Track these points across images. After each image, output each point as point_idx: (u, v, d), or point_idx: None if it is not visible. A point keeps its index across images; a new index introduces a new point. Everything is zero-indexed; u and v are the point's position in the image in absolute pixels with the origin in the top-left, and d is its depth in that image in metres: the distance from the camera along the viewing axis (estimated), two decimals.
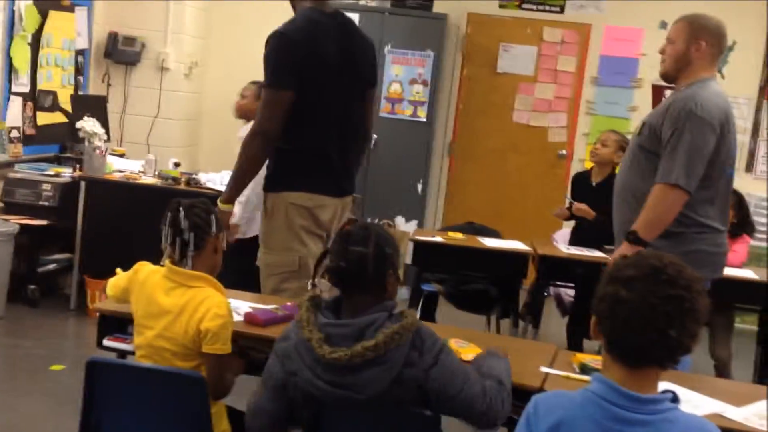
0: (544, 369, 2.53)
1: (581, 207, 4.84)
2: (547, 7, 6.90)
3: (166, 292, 2.54)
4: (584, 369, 2.51)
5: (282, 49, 3.08)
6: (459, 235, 4.89)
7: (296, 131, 3.11)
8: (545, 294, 5.00)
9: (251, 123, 3.97)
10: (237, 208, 4.05)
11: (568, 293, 4.97)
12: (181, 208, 2.57)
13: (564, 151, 6.87)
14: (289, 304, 2.86)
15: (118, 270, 2.73)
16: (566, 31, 6.82)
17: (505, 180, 6.97)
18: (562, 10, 6.87)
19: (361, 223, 2.31)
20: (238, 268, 3.50)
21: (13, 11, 5.30)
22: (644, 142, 3.16)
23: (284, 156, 3.16)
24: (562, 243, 5.11)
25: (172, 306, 2.53)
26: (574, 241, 5.00)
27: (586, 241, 4.81)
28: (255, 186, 3.69)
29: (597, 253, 4.60)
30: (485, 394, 2.13)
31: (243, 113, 4.48)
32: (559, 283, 4.95)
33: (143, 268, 2.66)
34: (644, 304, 1.55)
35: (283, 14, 3.34)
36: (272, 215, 3.21)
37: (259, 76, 3.28)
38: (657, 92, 6.66)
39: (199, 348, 2.48)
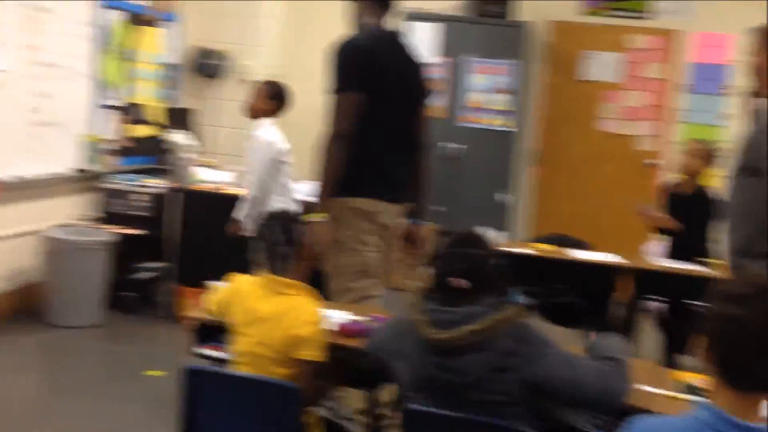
0: (644, 387, 2.45)
1: (660, 216, 4.74)
2: (632, 13, 6.77)
3: (263, 300, 2.61)
4: (691, 390, 2.42)
5: (351, 55, 3.26)
6: (547, 247, 4.82)
7: (355, 140, 3.25)
8: (640, 308, 4.87)
9: (261, 120, 4.32)
10: (243, 206, 4.40)
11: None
12: (274, 222, 2.65)
13: (651, 160, 6.71)
14: (381, 315, 2.87)
15: (213, 284, 2.79)
16: (651, 38, 6.68)
17: (593, 190, 6.84)
18: (648, 17, 6.73)
19: (469, 230, 2.35)
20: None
21: (104, 28, 5.46)
22: (750, 160, 3.02)
23: (349, 163, 3.28)
24: (652, 254, 4.98)
25: (269, 313, 2.58)
26: (667, 252, 4.88)
27: (677, 253, 4.69)
28: (262, 185, 4.27)
29: (693, 266, 4.48)
30: (601, 376, 2.16)
31: (253, 112, 4.56)
32: (652, 297, 4.82)
33: (240, 278, 2.74)
34: (761, 325, 1.48)
35: None
36: (337, 219, 3.32)
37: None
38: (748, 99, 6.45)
39: (293, 355, 2.53)
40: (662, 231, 4.90)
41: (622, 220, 6.56)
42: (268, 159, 4.39)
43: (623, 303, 4.83)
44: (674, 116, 6.70)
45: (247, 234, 4.33)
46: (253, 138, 4.45)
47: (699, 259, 4.56)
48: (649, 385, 2.46)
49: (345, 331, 2.73)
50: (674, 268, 4.50)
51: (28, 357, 4.33)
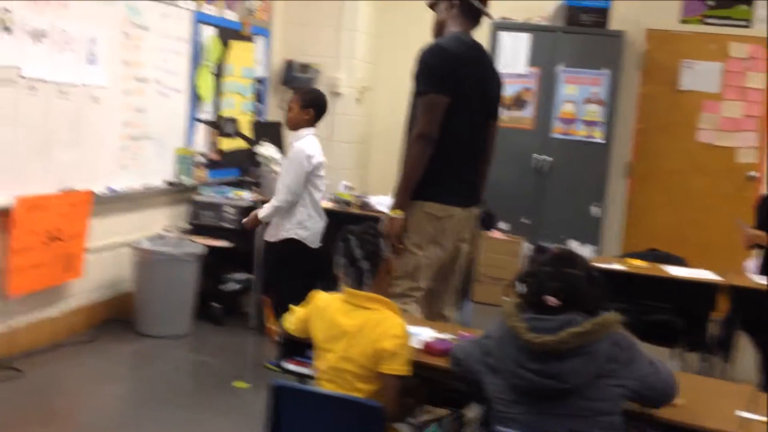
0: (741, 413, 2.35)
1: (754, 233, 4.55)
2: (733, 21, 6.51)
3: (345, 315, 2.60)
4: None
5: (438, 58, 3.32)
6: (641, 263, 4.65)
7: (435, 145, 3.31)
8: (738, 327, 4.65)
9: (301, 131, 4.28)
10: (268, 209, 4.42)
11: None
12: (352, 237, 2.63)
13: (754, 173, 6.42)
14: (466, 333, 2.81)
15: (293, 307, 2.80)
16: (754, 47, 6.42)
17: (689, 203, 6.61)
18: (748, 25, 6.46)
19: (564, 249, 2.39)
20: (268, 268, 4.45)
21: (197, 42, 5.57)
22: None
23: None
24: (755, 272, 4.75)
25: (351, 327, 2.57)
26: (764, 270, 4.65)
27: None
28: (292, 196, 4.32)
29: None
30: (672, 377, 2.27)
31: (292, 124, 4.54)
32: (751, 316, 4.58)
33: (320, 295, 2.74)
34: None
35: None
36: (408, 221, 3.38)
37: None
38: None
39: (378, 369, 2.50)
40: (759, 246, 4.68)
41: (719, 235, 6.32)
42: (303, 172, 4.38)
43: (720, 322, 4.63)
44: None
45: (270, 240, 4.49)
46: (293, 148, 4.45)
47: None
48: (746, 411, 2.36)
49: (430, 349, 2.68)
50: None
51: (118, 366, 4.42)
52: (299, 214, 4.41)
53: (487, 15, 3.55)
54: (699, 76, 6.53)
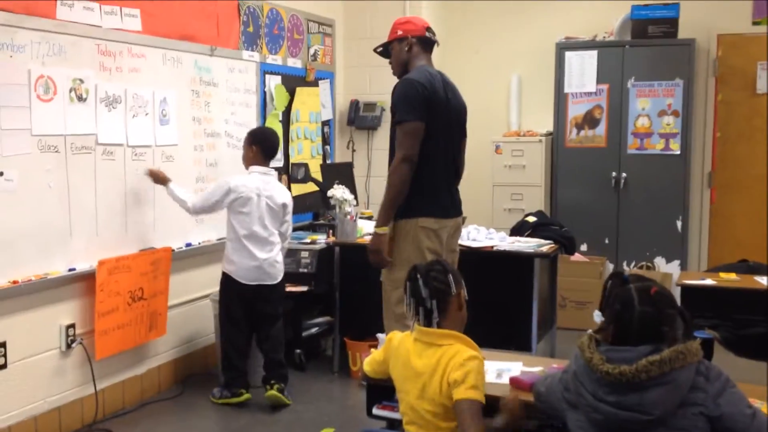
0: None
1: None
2: None
3: (418, 355, 2.59)
4: None
5: (413, 89, 3.69)
6: (732, 276, 4.47)
7: (417, 166, 3.68)
8: None
9: (250, 168, 4.63)
10: (179, 192, 4.59)
11: None
12: (419, 276, 2.61)
13: None
14: (555, 365, 2.75)
15: (373, 350, 2.79)
16: None
17: None
18: None
19: (642, 285, 2.23)
20: None
21: (264, 92, 5.67)
22: None
23: (411, 188, 3.68)
24: None
25: (425, 367, 2.56)
26: None
27: None
28: (196, 204, 4.56)
29: None
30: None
31: (244, 162, 4.73)
32: None
33: (395, 336, 2.72)
34: None
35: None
36: (402, 236, 3.72)
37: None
38: None
39: (452, 398, 2.47)
40: None
41: None
42: (214, 199, 4.55)
43: None
44: None
45: None
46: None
47: None
48: None
49: (516, 383, 2.62)
50: None
51: (205, 419, 4.45)
52: (226, 248, 4.60)
53: (437, 43, 4.00)
54: None
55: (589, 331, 2.29)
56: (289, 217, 4.72)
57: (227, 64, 5.29)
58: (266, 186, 4.59)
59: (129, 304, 4.39)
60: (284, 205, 4.65)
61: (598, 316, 2.33)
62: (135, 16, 4.48)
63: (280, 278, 4.63)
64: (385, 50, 4.03)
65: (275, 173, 4.72)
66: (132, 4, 4.44)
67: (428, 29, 3.95)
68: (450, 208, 3.88)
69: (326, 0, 6.57)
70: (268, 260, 4.56)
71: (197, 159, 5.03)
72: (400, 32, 3.91)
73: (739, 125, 6.40)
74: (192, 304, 5.06)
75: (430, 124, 3.69)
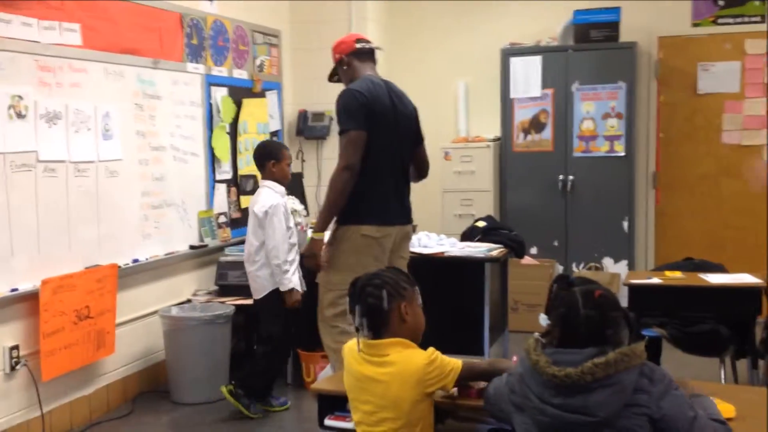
0: None
1: None
2: (747, 19, 6.40)
3: (367, 364, 2.56)
4: None
5: (353, 99, 3.75)
6: (678, 274, 4.54)
7: (362, 174, 3.71)
8: None
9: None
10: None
11: None
12: (355, 292, 2.58)
13: None
14: None
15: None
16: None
17: (721, 207, 6.48)
18: (763, 20, 6.35)
19: (587, 288, 2.25)
20: None
21: (210, 104, 5.63)
22: None
23: (354, 195, 3.72)
24: None
25: (377, 375, 2.53)
26: None
27: None
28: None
29: None
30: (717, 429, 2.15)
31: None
32: None
33: (345, 346, 2.68)
34: None
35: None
36: (343, 242, 3.77)
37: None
38: None
39: (417, 412, 2.48)
40: None
41: (754, 236, 6.16)
42: None
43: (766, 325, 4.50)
44: None
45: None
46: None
47: None
48: None
49: (465, 392, 2.61)
50: None
51: None
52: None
53: (376, 48, 4.07)
54: (717, 77, 6.44)
55: (536, 334, 2.30)
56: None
57: (171, 76, 5.23)
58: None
59: (75, 324, 4.31)
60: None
61: (544, 320, 2.34)
62: (75, 30, 4.41)
63: (258, 295, 4.58)
64: (335, 77, 4.15)
65: (262, 183, 4.70)
66: (72, 19, 4.37)
67: (358, 40, 4.03)
68: (396, 215, 3.90)
69: (272, 11, 6.55)
70: (249, 274, 4.59)
71: (143, 173, 4.97)
72: (336, 56, 4.04)
73: (681, 126, 6.54)
74: (141, 321, 4.98)
75: (373, 131, 3.74)
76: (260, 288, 4.55)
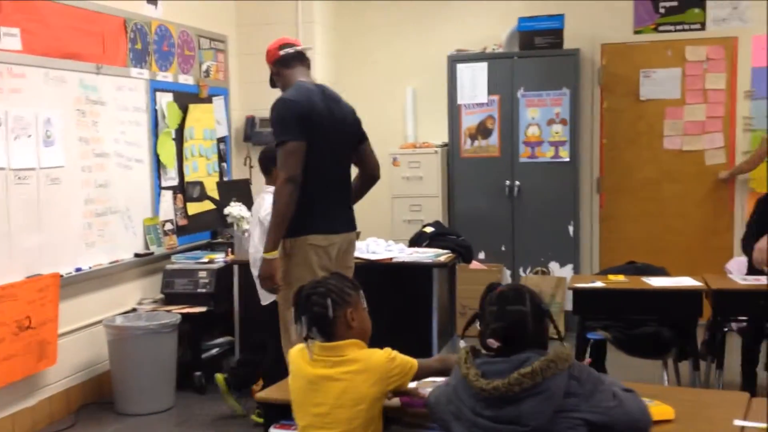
0: (739, 422, 2.31)
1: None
2: (687, 26, 6.55)
3: (324, 366, 2.54)
4: None
5: (288, 108, 3.62)
6: (621, 278, 4.61)
7: (304, 184, 3.60)
8: (725, 330, 4.61)
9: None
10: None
11: None
12: (300, 301, 2.58)
13: (725, 173, 6.44)
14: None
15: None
16: (711, 48, 6.46)
17: (663, 211, 6.59)
18: (703, 27, 6.50)
19: (511, 284, 2.29)
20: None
21: (155, 110, 5.56)
22: None
23: (299, 206, 3.59)
24: (737, 273, 4.72)
25: (336, 374, 2.52)
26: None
27: None
28: None
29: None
30: (643, 411, 2.21)
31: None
32: (740, 318, 4.55)
33: (293, 350, 2.67)
34: None
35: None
36: (292, 255, 3.66)
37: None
38: None
39: (374, 411, 2.49)
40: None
41: (696, 240, 6.29)
42: None
43: (706, 327, 4.62)
44: (743, 125, 6.42)
45: None
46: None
47: None
48: (744, 419, 2.35)
49: (406, 404, 2.61)
50: (757, 285, 4.27)
51: None
52: None
53: (304, 49, 3.94)
54: (659, 84, 6.55)
55: (461, 342, 2.34)
56: None
57: (115, 82, 5.16)
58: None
59: (16, 334, 4.21)
60: None
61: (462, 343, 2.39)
62: (14, 35, 4.32)
63: (265, 301, 4.48)
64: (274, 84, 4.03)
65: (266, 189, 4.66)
66: (10, 23, 4.28)
67: (282, 46, 3.87)
68: (340, 222, 3.83)
69: (217, 16, 6.50)
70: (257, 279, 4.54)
71: (86, 180, 4.88)
72: (269, 66, 3.94)
73: (624, 131, 6.65)
74: (84, 331, 4.90)
75: (312, 139, 3.61)
76: (267, 294, 4.49)
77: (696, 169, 6.51)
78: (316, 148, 3.63)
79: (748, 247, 4.65)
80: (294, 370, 2.64)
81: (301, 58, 3.90)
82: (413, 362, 2.57)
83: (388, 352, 2.55)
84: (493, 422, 2.14)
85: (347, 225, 3.88)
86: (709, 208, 6.42)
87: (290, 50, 3.86)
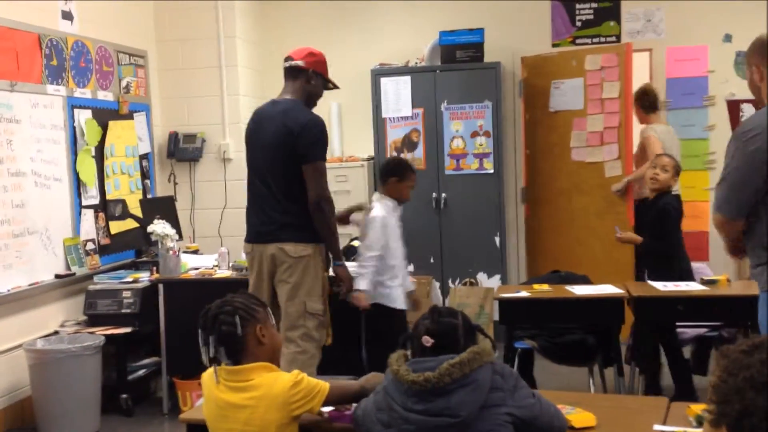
0: (658, 427, 2.38)
1: (624, 236, 5.15)
2: (603, 39, 6.72)
3: (230, 391, 2.51)
4: (701, 421, 2.32)
5: (325, 131, 3.94)
6: (545, 287, 4.69)
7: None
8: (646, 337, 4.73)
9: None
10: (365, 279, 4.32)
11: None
12: (206, 322, 2.52)
13: (618, 186, 6.21)
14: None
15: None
16: (606, 56, 6.32)
17: (573, 223, 6.50)
18: (618, 40, 6.67)
19: (442, 306, 2.49)
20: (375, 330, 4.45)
21: (74, 127, 5.43)
22: None
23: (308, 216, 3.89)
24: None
25: (240, 400, 2.48)
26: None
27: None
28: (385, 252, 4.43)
29: (694, 287, 4.43)
30: (557, 411, 2.32)
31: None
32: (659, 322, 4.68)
33: (205, 374, 2.63)
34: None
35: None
36: (316, 264, 3.94)
37: None
38: (733, 107, 6.38)
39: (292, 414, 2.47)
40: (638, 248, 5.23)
41: (601, 253, 6.21)
42: None
43: (629, 333, 4.73)
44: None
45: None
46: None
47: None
48: (663, 425, 2.39)
49: (334, 417, 2.60)
50: (676, 292, 4.41)
51: None
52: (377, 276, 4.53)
53: (289, 65, 4.08)
54: (565, 95, 6.52)
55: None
56: None
57: (30, 99, 5.02)
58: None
59: None
60: None
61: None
62: None
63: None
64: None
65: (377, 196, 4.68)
66: None
67: (285, 59, 4.12)
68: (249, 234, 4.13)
69: (137, 31, 6.39)
70: None
71: (2, 201, 4.73)
72: (308, 69, 4.08)
73: (541, 142, 6.66)
74: (4, 356, 4.73)
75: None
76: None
77: (598, 182, 6.33)
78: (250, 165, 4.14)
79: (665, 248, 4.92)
80: (206, 394, 2.61)
81: (288, 72, 4.11)
82: (323, 386, 2.51)
83: (294, 376, 2.50)
84: (425, 415, 2.19)
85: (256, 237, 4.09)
86: (610, 221, 6.05)
87: (284, 63, 4.10)
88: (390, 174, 4.62)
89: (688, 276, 4.78)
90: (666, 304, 4.42)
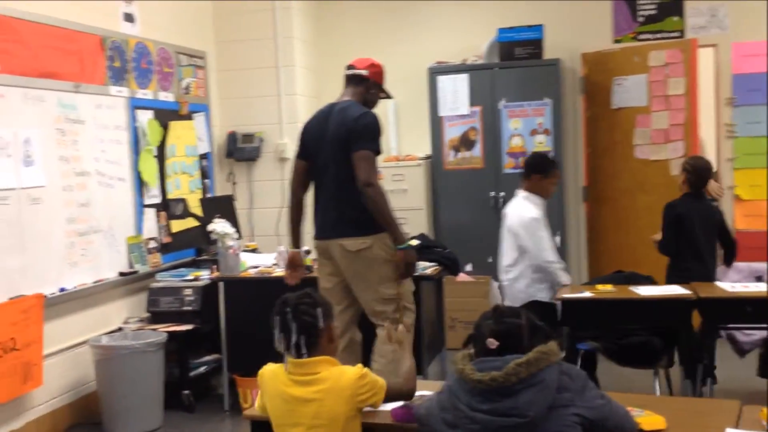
0: (731, 431, 2.32)
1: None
2: (665, 34, 6.58)
3: (296, 385, 2.53)
4: None
5: (378, 123, 4.05)
6: (609, 287, 4.59)
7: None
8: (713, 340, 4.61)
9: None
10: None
11: (744, 331, 4.61)
12: (288, 310, 2.54)
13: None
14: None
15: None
16: (670, 51, 6.23)
17: (637, 222, 6.31)
18: (681, 35, 6.52)
19: (507, 306, 2.40)
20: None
21: (136, 128, 5.51)
22: None
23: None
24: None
25: (312, 393, 2.51)
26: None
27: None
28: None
29: (763, 287, 4.30)
30: (627, 413, 2.27)
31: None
32: (730, 325, 4.57)
33: (265, 370, 2.65)
34: None
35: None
36: (378, 253, 3.99)
37: None
38: None
39: (350, 430, 2.50)
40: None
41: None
42: None
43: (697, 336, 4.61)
44: (726, 132, 6.41)
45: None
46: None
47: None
48: (737, 428, 2.34)
49: (394, 417, 2.59)
50: (744, 293, 4.30)
51: None
52: (526, 276, 4.78)
53: (351, 73, 4.25)
54: (628, 91, 6.43)
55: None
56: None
57: (94, 100, 5.11)
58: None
59: (0, 356, 4.14)
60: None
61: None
62: None
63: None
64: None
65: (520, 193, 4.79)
66: None
67: (346, 67, 4.26)
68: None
69: (196, 32, 6.47)
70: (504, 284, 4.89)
71: (67, 200, 4.82)
72: (370, 80, 4.24)
73: (603, 140, 6.57)
74: (70, 352, 4.82)
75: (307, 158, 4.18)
76: (515, 299, 4.61)
77: (663, 181, 6.20)
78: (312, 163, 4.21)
79: (663, 249, 4.94)
80: (270, 390, 2.62)
81: (349, 80, 4.26)
82: (382, 381, 2.59)
83: (359, 369, 2.55)
84: (491, 415, 2.16)
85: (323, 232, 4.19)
86: None
87: (346, 71, 4.24)
88: (534, 170, 4.64)
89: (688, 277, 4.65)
90: (734, 306, 4.30)
